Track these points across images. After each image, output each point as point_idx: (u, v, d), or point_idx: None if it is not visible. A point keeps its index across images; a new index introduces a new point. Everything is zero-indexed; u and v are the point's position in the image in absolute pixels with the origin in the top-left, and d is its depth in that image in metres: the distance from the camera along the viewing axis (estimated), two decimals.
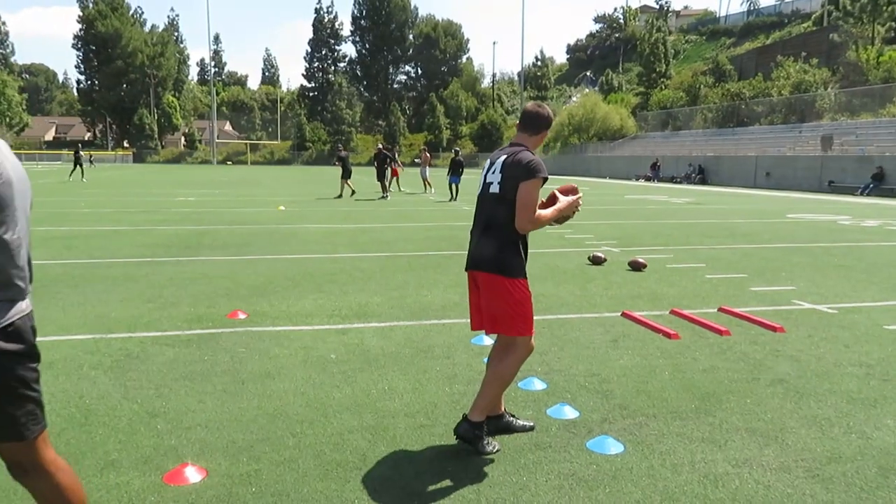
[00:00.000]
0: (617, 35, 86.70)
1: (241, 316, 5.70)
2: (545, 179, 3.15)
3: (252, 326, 5.40)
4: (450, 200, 21.16)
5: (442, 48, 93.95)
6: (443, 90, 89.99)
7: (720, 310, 6.13)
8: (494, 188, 3.22)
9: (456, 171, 21.86)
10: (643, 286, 7.31)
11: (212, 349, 4.76)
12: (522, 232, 3.19)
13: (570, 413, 3.65)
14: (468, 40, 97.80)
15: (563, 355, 4.74)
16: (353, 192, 21.84)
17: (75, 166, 32.53)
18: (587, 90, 76.17)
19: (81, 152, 34.32)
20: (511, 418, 3.47)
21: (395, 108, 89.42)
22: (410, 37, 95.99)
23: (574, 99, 74.80)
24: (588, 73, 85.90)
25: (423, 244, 10.66)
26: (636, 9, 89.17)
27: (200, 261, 8.72)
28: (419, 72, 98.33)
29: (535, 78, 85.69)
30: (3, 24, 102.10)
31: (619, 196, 25.49)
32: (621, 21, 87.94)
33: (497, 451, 3.20)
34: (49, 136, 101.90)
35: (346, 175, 21.74)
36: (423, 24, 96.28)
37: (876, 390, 4.09)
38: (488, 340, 5.02)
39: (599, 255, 8.89)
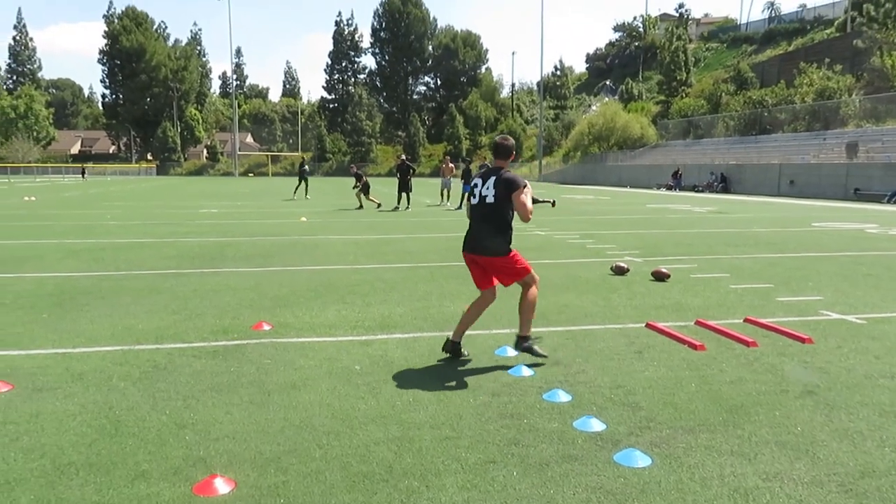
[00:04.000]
0: (637, 44, 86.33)
1: (266, 327, 5.74)
2: (525, 185, 4.68)
3: (277, 338, 5.44)
4: (457, 209, 21.71)
5: (461, 59, 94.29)
6: (462, 100, 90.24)
7: (746, 320, 6.06)
8: (490, 199, 4.69)
9: (468, 180, 22.57)
10: (667, 297, 7.26)
11: (238, 360, 4.81)
12: (527, 222, 4.77)
13: (596, 425, 3.62)
14: (487, 51, 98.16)
15: (587, 367, 4.71)
16: (361, 206, 21.99)
17: (300, 181, 28.63)
18: (607, 99, 75.96)
19: (307, 166, 30.41)
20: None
21: (414, 119, 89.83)
22: (430, 48, 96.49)
23: (593, 108, 74.61)
24: (608, 83, 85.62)
25: (446, 254, 10.66)
26: (656, 17, 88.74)
27: (224, 272, 8.81)
28: (438, 82, 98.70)
29: (554, 87, 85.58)
30: (31, 40, 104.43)
31: (641, 205, 25.33)
32: (641, 30, 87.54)
33: (546, 355, 4.79)
34: (75, 150, 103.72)
35: (366, 190, 22.21)
36: (443, 35, 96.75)
37: None
38: (511, 352, 5.02)
39: (622, 265, 8.84)
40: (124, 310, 6.43)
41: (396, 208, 21.46)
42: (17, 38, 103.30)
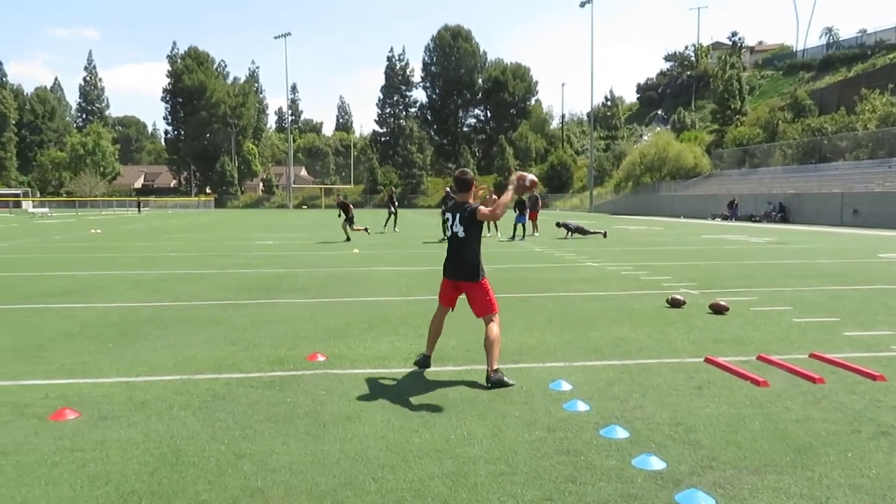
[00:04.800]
0: (689, 73, 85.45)
1: (321, 358, 5.81)
2: (478, 208, 5.21)
3: (331, 369, 5.49)
4: (510, 239, 21.78)
5: (511, 91, 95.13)
6: (512, 132, 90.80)
7: (811, 356, 5.84)
8: (461, 234, 5.25)
9: (522, 210, 22.53)
10: (726, 330, 7.05)
11: (293, 391, 4.87)
12: (496, 220, 5.67)
13: (656, 464, 3.52)
14: (537, 82, 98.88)
15: (645, 402, 4.60)
16: (348, 239, 21.50)
17: (390, 214, 26.82)
18: (658, 129, 75.17)
19: (395, 200, 28.04)
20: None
21: (464, 151, 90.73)
22: (480, 81, 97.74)
23: (645, 138, 73.89)
24: (659, 112, 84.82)
25: (496, 287, 10.57)
26: (708, 46, 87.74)
27: (280, 303, 8.97)
28: (488, 115, 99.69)
29: (605, 118, 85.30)
30: (100, 80, 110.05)
31: (696, 236, 24.80)
32: (693, 59, 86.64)
33: (514, 383, 5.01)
34: (138, 184, 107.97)
35: (350, 221, 21.73)
36: (492, 68, 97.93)
37: None
38: (566, 385, 4.95)
39: (678, 297, 8.65)
40: (185, 340, 6.60)
41: (443, 239, 21.56)
42: (87, 78, 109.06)
